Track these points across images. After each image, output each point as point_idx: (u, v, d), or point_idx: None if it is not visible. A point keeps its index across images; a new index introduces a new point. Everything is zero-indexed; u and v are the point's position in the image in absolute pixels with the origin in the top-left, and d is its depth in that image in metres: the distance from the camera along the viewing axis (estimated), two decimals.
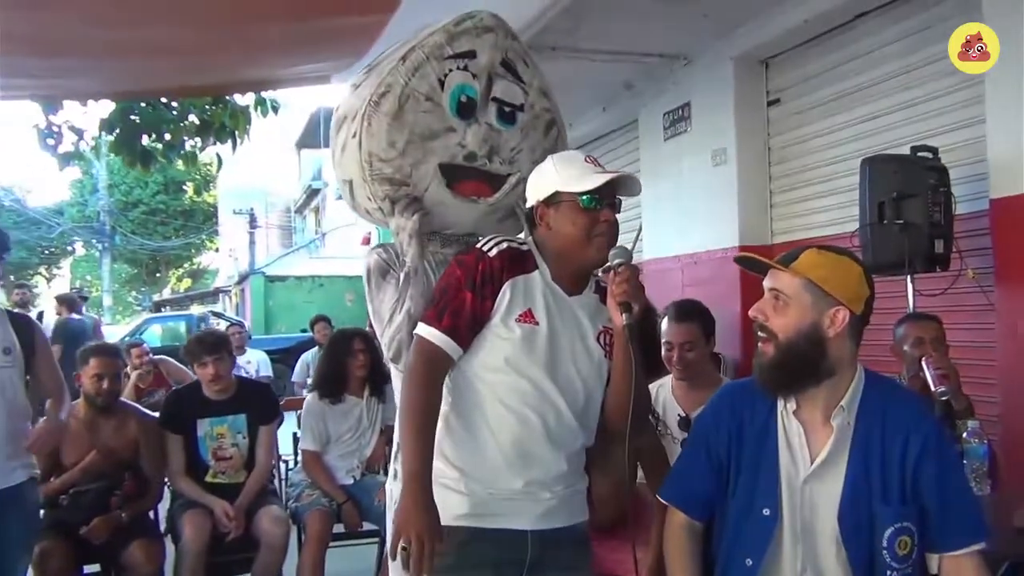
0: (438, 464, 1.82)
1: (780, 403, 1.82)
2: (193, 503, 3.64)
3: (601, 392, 1.97)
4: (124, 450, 3.64)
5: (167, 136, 6.20)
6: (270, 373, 7.86)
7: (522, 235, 2.09)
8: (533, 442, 1.86)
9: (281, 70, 4.64)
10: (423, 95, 2.18)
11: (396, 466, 2.21)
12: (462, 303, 1.85)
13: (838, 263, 1.77)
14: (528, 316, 1.87)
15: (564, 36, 4.86)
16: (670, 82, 5.76)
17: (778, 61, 5.15)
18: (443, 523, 1.72)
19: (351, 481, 4.04)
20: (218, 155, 6.74)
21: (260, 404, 3.93)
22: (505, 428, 1.86)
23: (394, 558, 1.70)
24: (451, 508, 1.81)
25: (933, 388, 2.63)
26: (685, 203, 5.71)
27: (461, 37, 2.22)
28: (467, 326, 1.86)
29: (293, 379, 8.21)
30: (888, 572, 1.70)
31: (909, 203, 3.53)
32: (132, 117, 5.96)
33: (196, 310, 21.94)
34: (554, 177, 1.91)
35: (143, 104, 5.97)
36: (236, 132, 6.18)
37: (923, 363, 2.71)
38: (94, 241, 30.91)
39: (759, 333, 1.79)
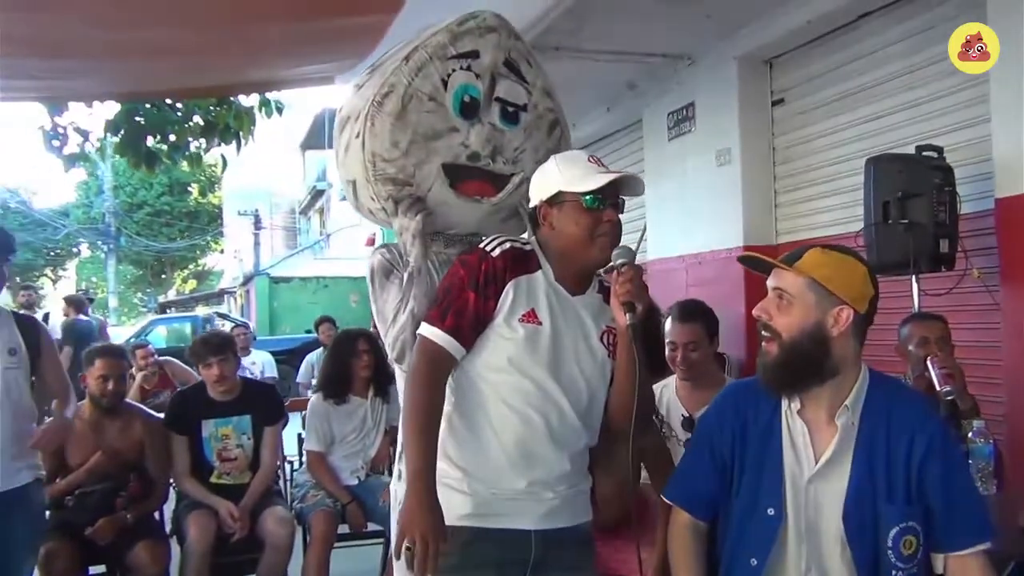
0: (441, 464, 1.83)
1: (784, 402, 1.82)
2: (198, 504, 3.65)
3: (604, 392, 1.97)
4: (129, 451, 3.65)
5: (172, 137, 6.22)
6: (275, 374, 7.87)
7: (525, 235, 2.09)
8: (536, 442, 1.86)
9: (285, 71, 4.65)
10: (426, 95, 2.18)
11: (400, 466, 2.21)
12: (465, 303, 1.85)
13: (842, 262, 1.77)
14: (531, 316, 1.87)
15: (567, 36, 4.85)
16: (674, 82, 5.75)
17: (782, 61, 5.14)
18: (446, 523, 1.72)
19: (355, 482, 4.04)
20: (223, 156, 6.76)
21: (265, 405, 3.94)
22: (508, 428, 1.86)
23: (398, 558, 1.70)
24: (454, 508, 1.81)
25: (938, 388, 2.62)
26: (689, 203, 5.70)
27: (464, 37, 2.22)
28: (470, 326, 1.86)
29: (298, 380, 8.21)
30: (893, 572, 1.70)
31: (914, 203, 3.52)
32: (137, 118, 5.98)
33: (201, 311, 21.99)
34: (557, 177, 1.91)
35: (148, 105, 5.99)
36: (240, 133, 6.20)
37: (928, 363, 2.71)
38: (99, 243, 30.99)
39: (763, 332, 1.79)
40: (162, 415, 3.90)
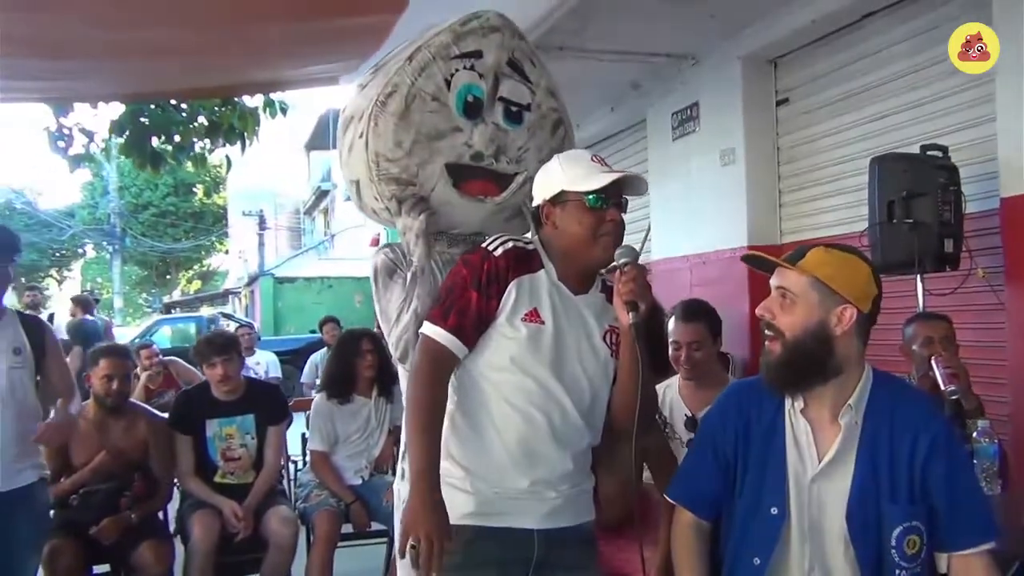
0: (444, 463, 1.83)
1: (787, 402, 1.81)
2: (202, 503, 3.65)
3: (607, 391, 1.97)
4: (134, 451, 3.66)
5: (176, 138, 6.23)
6: (279, 374, 7.89)
7: (529, 235, 2.09)
8: (539, 441, 1.86)
9: (289, 71, 4.65)
10: (429, 95, 2.18)
11: (404, 466, 2.21)
12: (468, 302, 1.86)
13: (845, 261, 1.76)
14: (534, 315, 1.87)
15: (571, 36, 4.85)
16: (678, 82, 5.74)
17: (786, 61, 5.13)
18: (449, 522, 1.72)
19: (359, 481, 4.04)
20: (227, 157, 6.77)
21: (269, 405, 3.94)
22: (511, 427, 1.86)
23: (403, 557, 1.70)
24: (457, 507, 1.81)
25: (943, 387, 2.61)
26: (694, 203, 5.70)
27: (467, 37, 2.23)
28: (472, 325, 1.86)
29: (302, 380, 8.23)
30: (897, 571, 1.70)
31: (919, 202, 3.51)
32: (142, 119, 5.99)
33: (206, 312, 22.03)
34: (560, 176, 1.91)
35: (152, 106, 6.00)
36: (245, 134, 6.21)
37: (932, 362, 2.70)
38: (105, 243, 31.09)
39: (766, 331, 1.78)
40: (166, 415, 3.90)
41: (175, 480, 3.85)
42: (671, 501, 1.97)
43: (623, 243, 1.89)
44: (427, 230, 2.18)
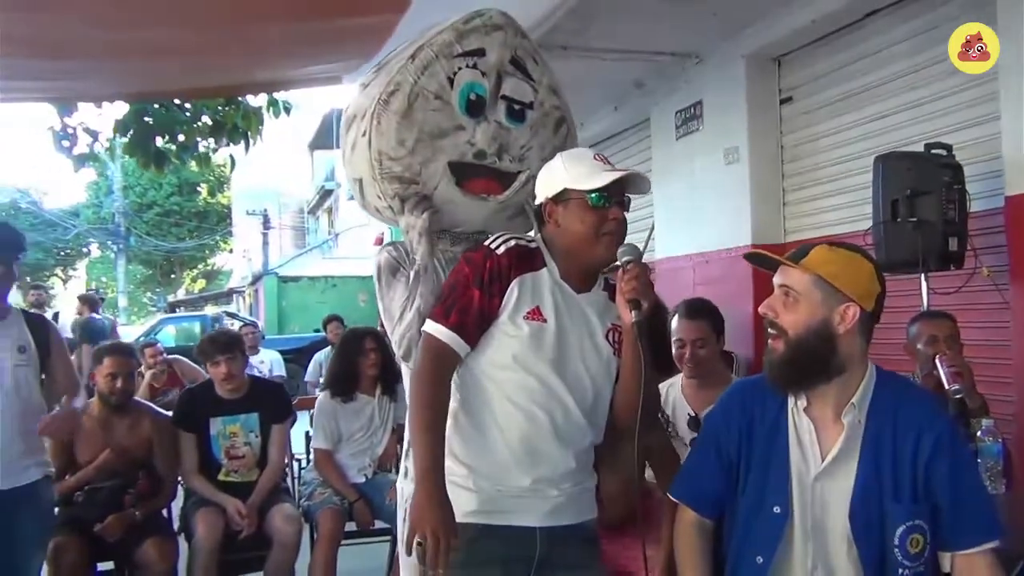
0: (447, 461, 1.82)
1: (790, 400, 1.81)
2: (206, 501, 3.66)
3: (610, 390, 1.97)
4: (138, 449, 3.66)
5: (180, 137, 6.24)
6: (283, 373, 7.90)
7: (531, 233, 2.09)
8: (541, 439, 1.86)
9: (292, 71, 4.65)
10: (432, 93, 2.19)
11: (407, 464, 2.22)
12: (470, 300, 1.86)
13: (849, 259, 1.76)
14: (536, 313, 1.87)
15: (575, 35, 4.85)
16: (682, 81, 5.74)
17: (790, 59, 5.12)
18: None
19: (363, 479, 4.05)
20: (231, 156, 6.78)
21: (273, 403, 3.95)
22: (513, 425, 1.86)
23: (410, 554, 1.70)
24: (460, 505, 1.80)
25: (947, 386, 2.61)
26: (697, 202, 5.69)
27: (470, 35, 2.23)
28: (474, 323, 1.86)
29: (306, 379, 8.24)
30: (900, 570, 1.70)
31: (923, 201, 3.50)
32: (146, 119, 6.00)
33: (210, 311, 22.05)
34: (563, 175, 1.91)
35: (156, 106, 6.01)
36: (249, 133, 6.21)
37: (937, 361, 2.70)
38: (109, 243, 31.14)
39: (769, 330, 1.78)
40: (170, 413, 3.91)
41: (179, 478, 3.86)
42: (674, 500, 1.97)
43: (625, 242, 1.89)
44: (430, 228, 2.18)
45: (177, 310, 23.60)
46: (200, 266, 38.03)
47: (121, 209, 28.96)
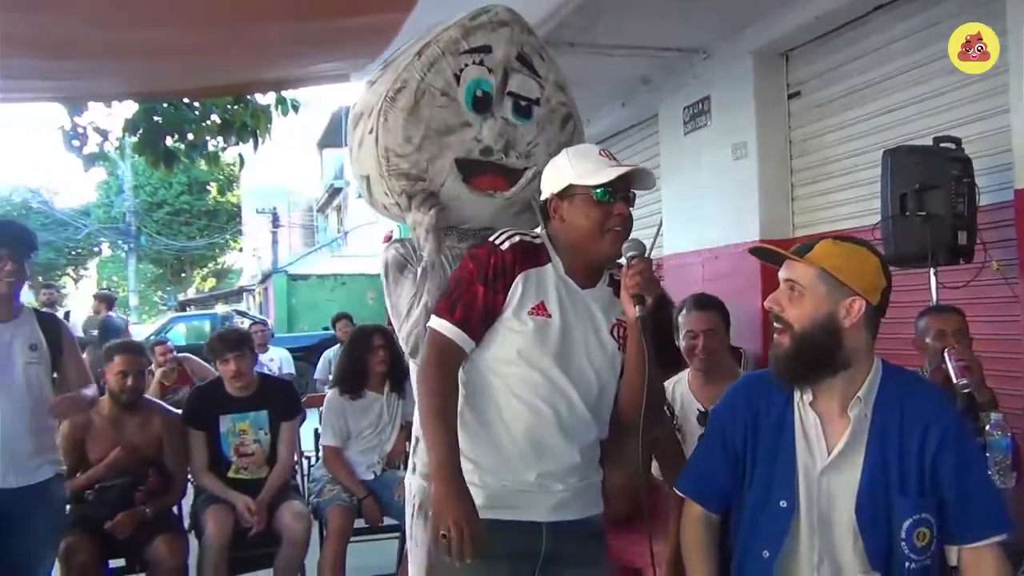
0: None
1: (796, 394, 1.81)
2: (216, 499, 3.68)
3: (615, 384, 1.97)
4: (148, 446, 3.68)
5: (190, 136, 6.27)
6: (292, 371, 7.93)
7: (538, 229, 2.10)
8: (546, 433, 1.87)
9: (300, 69, 4.67)
10: (439, 90, 2.19)
11: (415, 460, 2.23)
12: (474, 296, 1.87)
13: (854, 253, 1.76)
14: (540, 309, 1.88)
15: (581, 32, 4.84)
16: (689, 76, 5.72)
17: (798, 53, 5.10)
18: None
19: (372, 476, 4.06)
20: (240, 155, 6.81)
21: (282, 400, 3.96)
22: (518, 420, 1.87)
23: (436, 547, 1.70)
24: None
25: (955, 380, 2.60)
26: (705, 197, 5.68)
27: (476, 32, 2.23)
28: (479, 319, 1.87)
29: (315, 376, 8.27)
30: (906, 564, 1.70)
31: (932, 194, 3.48)
32: (155, 118, 6.03)
33: (220, 309, 22.14)
34: (568, 170, 1.91)
35: (165, 105, 6.04)
36: (258, 131, 6.24)
37: (945, 355, 2.69)
38: (120, 242, 31.28)
39: (775, 324, 1.78)
40: (180, 411, 3.93)
41: (189, 475, 3.88)
42: (680, 494, 1.97)
43: (634, 238, 1.89)
44: (437, 225, 2.18)
45: (187, 309, 23.74)
46: (210, 265, 38.16)
47: (131, 208, 29.08)
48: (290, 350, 8.65)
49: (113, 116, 6.25)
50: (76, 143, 6.14)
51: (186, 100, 6.06)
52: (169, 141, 6.21)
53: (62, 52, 3.62)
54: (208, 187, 32.63)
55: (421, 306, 2.12)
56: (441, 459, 1.75)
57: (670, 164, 6.12)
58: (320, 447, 4.25)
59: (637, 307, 1.78)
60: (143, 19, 3.29)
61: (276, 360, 7.78)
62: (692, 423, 2.86)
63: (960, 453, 1.72)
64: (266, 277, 23.54)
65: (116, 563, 3.62)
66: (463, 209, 2.26)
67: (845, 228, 4.47)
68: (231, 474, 3.78)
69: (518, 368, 1.87)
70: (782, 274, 1.79)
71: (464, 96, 2.20)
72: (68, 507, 3.39)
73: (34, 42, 3.38)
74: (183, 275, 36.84)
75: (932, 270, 3.58)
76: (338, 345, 7.97)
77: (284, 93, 6.14)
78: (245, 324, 11.59)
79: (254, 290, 27.10)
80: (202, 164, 7.06)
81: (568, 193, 1.91)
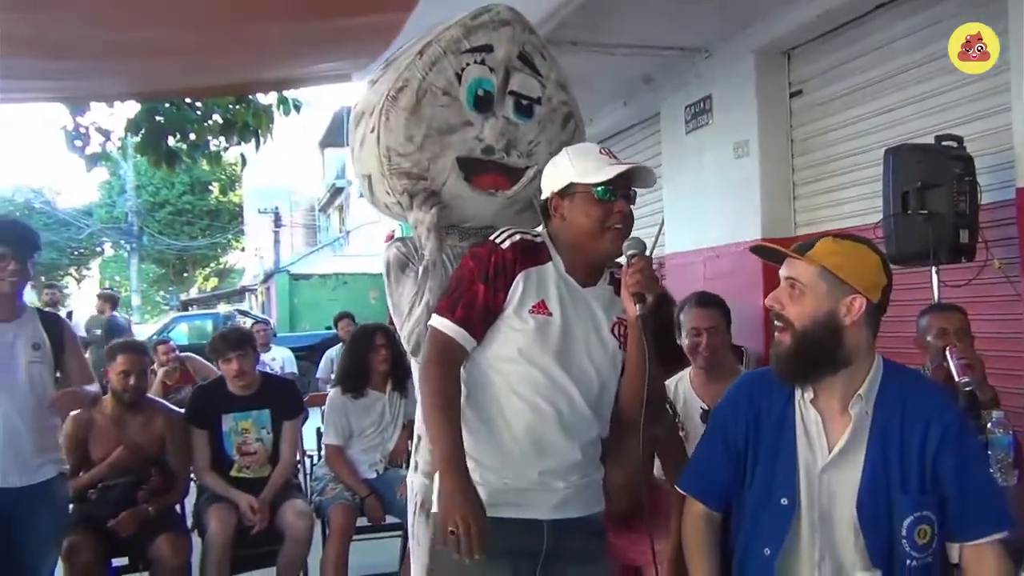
0: None
1: (797, 392, 1.82)
2: (218, 497, 3.68)
3: (615, 383, 1.98)
4: (151, 445, 3.69)
5: (192, 136, 6.28)
6: (295, 370, 7.95)
7: (539, 228, 2.10)
8: (547, 431, 1.87)
9: (301, 69, 4.68)
10: (440, 89, 2.19)
11: (417, 458, 2.23)
12: (475, 295, 1.87)
13: (854, 251, 1.76)
14: (541, 307, 1.88)
15: (583, 31, 4.85)
16: (691, 75, 5.72)
17: (800, 52, 5.10)
18: None
19: (374, 475, 4.06)
20: (242, 155, 6.82)
21: (284, 399, 3.97)
22: (519, 418, 1.87)
23: (444, 544, 1.71)
24: None
25: (957, 378, 2.60)
26: (707, 196, 5.68)
27: (478, 31, 2.23)
28: (480, 318, 1.87)
29: (318, 375, 8.28)
30: (907, 561, 1.70)
31: (933, 193, 3.48)
32: (157, 118, 6.04)
33: (223, 309, 22.15)
34: (569, 169, 1.91)
35: (167, 104, 6.05)
36: (259, 131, 6.25)
37: (947, 353, 2.68)
38: (122, 242, 31.30)
39: (776, 322, 1.79)
40: (183, 410, 3.94)
41: (192, 474, 3.88)
42: (682, 492, 1.97)
43: (636, 237, 1.89)
44: (438, 224, 2.19)
45: (190, 308, 23.73)
46: (212, 264, 38.19)
47: (134, 208, 29.10)
48: (292, 349, 8.67)
49: (115, 116, 6.26)
50: (78, 143, 6.15)
51: (188, 100, 6.07)
52: (171, 141, 6.22)
53: (63, 52, 3.62)
54: (210, 187, 32.65)
55: (423, 305, 2.13)
56: (446, 456, 1.76)
57: (672, 163, 6.12)
58: (322, 446, 4.25)
59: (637, 305, 1.79)
60: (145, 19, 3.29)
61: (278, 359, 7.79)
62: (695, 421, 2.86)
63: (961, 451, 1.72)
64: (268, 277, 23.55)
65: (119, 562, 3.63)
66: (464, 208, 2.27)
67: (847, 227, 4.47)
68: (233, 473, 3.79)
69: (519, 366, 1.87)
70: (783, 272, 1.79)
71: (466, 95, 2.21)
72: (71, 506, 3.39)
73: (35, 42, 3.39)
74: (185, 275, 36.87)
75: (934, 268, 3.58)
76: (340, 344, 7.98)
77: (286, 93, 6.15)
78: (247, 323, 11.60)
79: (256, 290, 27.11)
80: (204, 164, 7.08)
81: (569, 191, 1.91)
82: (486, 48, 2.23)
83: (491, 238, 1.94)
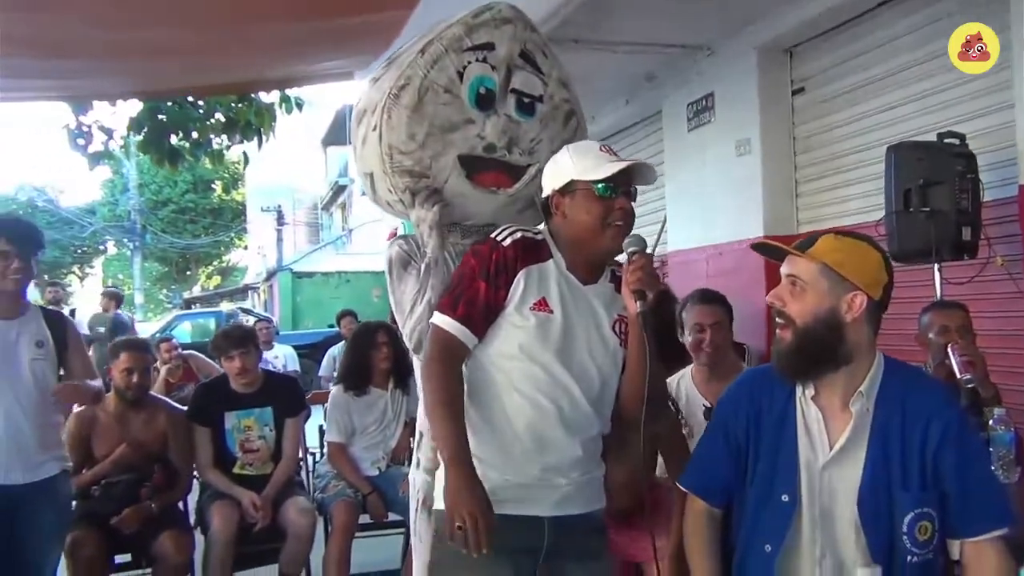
0: None
1: (798, 389, 1.82)
2: (221, 494, 3.69)
3: (616, 380, 1.98)
4: (153, 443, 3.70)
5: (194, 134, 6.29)
6: (297, 368, 7.96)
7: (541, 226, 2.10)
8: (548, 428, 1.87)
9: (303, 67, 4.68)
10: (442, 87, 2.20)
11: (419, 455, 2.23)
12: (476, 292, 1.88)
13: (855, 248, 1.76)
14: (542, 304, 1.89)
15: (585, 28, 4.85)
16: (693, 73, 5.72)
17: (802, 49, 5.09)
18: None
19: (376, 472, 4.07)
20: (244, 153, 6.83)
21: (286, 397, 3.98)
22: (520, 415, 1.88)
23: (451, 539, 1.71)
24: None
25: (959, 376, 2.59)
26: (709, 194, 5.68)
27: (480, 29, 2.24)
28: (481, 315, 1.88)
29: (320, 373, 8.28)
30: (908, 557, 1.70)
31: (936, 190, 3.47)
32: (159, 116, 6.05)
33: (225, 307, 22.18)
34: (569, 167, 1.92)
35: (170, 103, 6.06)
36: (261, 130, 6.26)
37: (949, 350, 2.68)
38: (125, 240, 31.33)
39: (777, 319, 1.79)
40: (186, 407, 3.95)
41: (194, 471, 3.89)
42: (683, 489, 1.98)
43: (637, 234, 1.90)
44: (440, 221, 2.19)
45: (192, 306, 23.77)
46: (215, 263, 38.22)
47: (136, 206, 29.12)
48: (295, 347, 8.68)
49: (118, 115, 6.29)
50: (81, 142, 6.17)
51: (190, 99, 6.08)
52: (174, 139, 6.24)
53: (65, 51, 3.63)
54: (213, 185, 32.66)
55: (425, 302, 2.13)
56: (452, 451, 1.76)
57: (674, 161, 6.11)
58: (324, 443, 4.26)
59: (638, 302, 1.79)
60: (147, 19, 3.30)
61: (281, 357, 7.80)
62: (698, 419, 2.86)
63: (962, 448, 1.72)
64: (271, 275, 23.58)
65: (122, 558, 3.64)
66: (466, 206, 2.27)
67: (849, 224, 4.47)
68: (236, 470, 3.80)
69: (520, 363, 1.88)
70: (784, 269, 1.80)
71: (467, 93, 2.21)
72: (74, 503, 3.40)
73: (37, 42, 3.39)
74: (188, 273, 36.91)
75: (936, 266, 3.57)
76: (343, 342, 7.98)
77: (288, 91, 6.16)
78: (250, 322, 11.62)
79: (259, 288, 27.14)
80: (207, 162, 7.08)
81: (569, 189, 1.92)
82: (488, 46, 2.23)
83: (492, 236, 1.95)
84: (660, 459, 2.62)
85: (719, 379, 2.80)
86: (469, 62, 2.22)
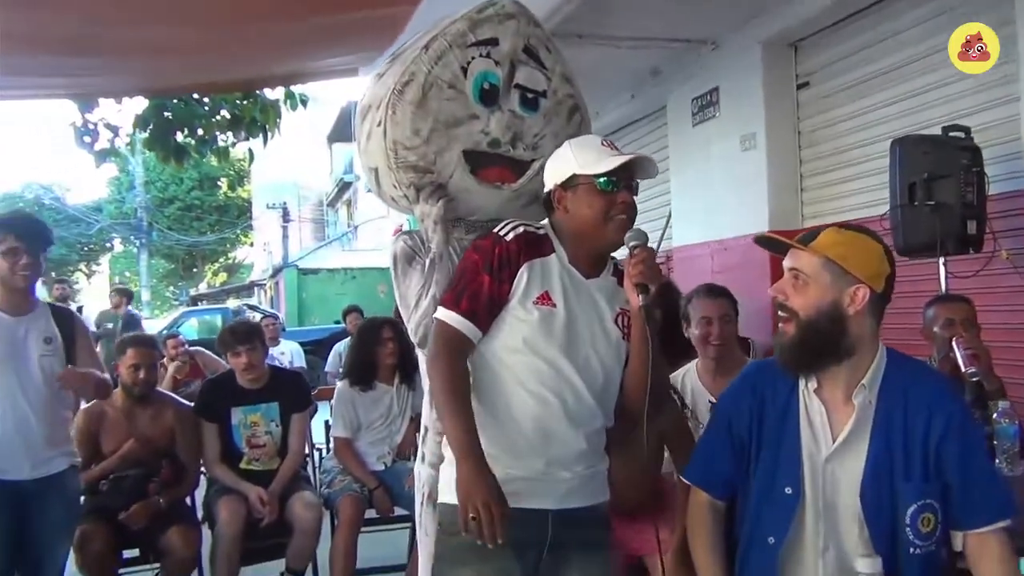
0: None
1: (801, 382, 1.83)
2: (228, 489, 3.71)
3: (620, 373, 1.99)
4: (161, 438, 3.72)
5: (200, 132, 6.31)
6: (303, 364, 7.96)
7: (544, 220, 2.11)
8: (552, 421, 1.88)
9: (308, 63, 4.69)
10: (446, 83, 2.19)
11: (424, 449, 2.24)
12: (480, 287, 1.88)
13: (857, 241, 1.77)
14: (545, 299, 1.89)
15: (590, 23, 4.84)
16: (698, 67, 5.71)
17: (807, 44, 5.09)
18: None
19: (382, 467, 4.08)
20: (250, 150, 6.85)
21: (293, 392, 4.00)
22: (524, 409, 1.88)
23: (465, 530, 1.72)
24: None
25: (963, 369, 2.60)
26: (714, 189, 5.67)
27: (483, 24, 2.23)
28: (485, 309, 1.89)
29: (326, 369, 8.28)
30: (911, 549, 1.71)
31: (941, 184, 3.47)
32: (165, 114, 6.07)
33: (232, 304, 22.23)
34: (571, 161, 1.93)
35: (175, 100, 6.08)
36: (267, 126, 6.27)
37: (953, 344, 2.69)
38: (132, 237, 31.45)
39: (780, 313, 1.80)
40: (192, 403, 3.97)
41: (201, 467, 3.91)
42: (687, 483, 1.98)
43: (641, 229, 1.90)
44: (445, 217, 2.19)
45: (199, 303, 23.83)
46: (221, 260, 38.32)
47: (143, 204, 29.22)
48: (301, 343, 8.68)
49: (124, 112, 6.30)
50: (87, 139, 6.20)
51: (196, 96, 6.10)
52: (179, 137, 6.26)
53: (70, 49, 3.64)
54: (218, 182, 32.76)
55: (429, 297, 2.14)
56: (462, 444, 1.77)
57: (679, 156, 6.11)
58: (331, 438, 4.27)
59: (641, 296, 1.80)
60: (147, 17, 3.31)
61: (287, 353, 7.81)
62: (704, 414, 2.86)
63: (964, 440, 1.73)
64: (277, 271, 23.62)
65: (130, 553, 3.66)
66: (471, 201, 2.27)
67: (854, 218, 4.46)
68: (243, 465, 3.81)
69: (524, 357, 1.88)
70: (787, 263, 1.80)
71: (471, 89, 2.21)
72: (83, 498, 3.43)
73: (40, 39, 3.41)
74: (194, 270, 37.00)
75: (941, 259, 3.57)
76: (349, 338, 7.98)
77: (293, 88, 6.17)
78: (256, 318, 11.65)
79: (265, 284, 27.19)
80: (212, 159, 7.13)
81: (571, 183, 1.93)
82: (491, 42, 2.23)
83: (495, 230, 1.96)
84: (667, 453, 2.62)
85: (724, 374, 2.80)
86: (473, 57, 2.22)
